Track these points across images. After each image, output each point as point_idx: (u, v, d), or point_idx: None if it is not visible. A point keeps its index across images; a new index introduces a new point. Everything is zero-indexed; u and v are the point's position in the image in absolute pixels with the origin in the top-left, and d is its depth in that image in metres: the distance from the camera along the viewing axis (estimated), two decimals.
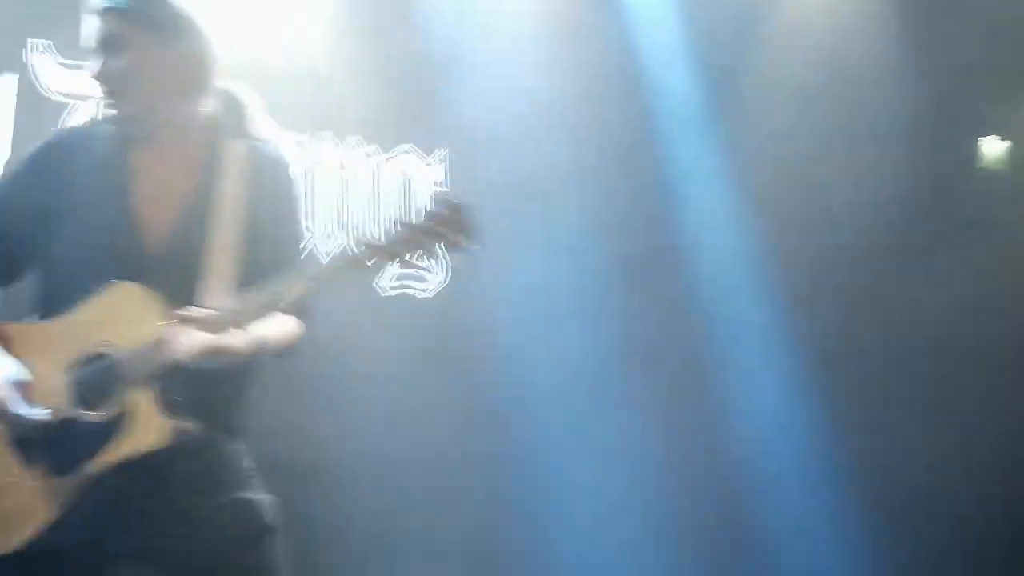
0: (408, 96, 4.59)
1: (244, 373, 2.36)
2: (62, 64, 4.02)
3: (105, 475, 2.22)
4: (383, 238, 2.14)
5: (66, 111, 4.02)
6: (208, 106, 2.40)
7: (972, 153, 5.53)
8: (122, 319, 2.25)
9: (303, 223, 2.77)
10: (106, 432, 2.21)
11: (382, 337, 4.38)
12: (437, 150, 4.72)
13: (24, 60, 4.00)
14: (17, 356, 2.31)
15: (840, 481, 4.78)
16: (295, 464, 3.95)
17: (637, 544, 4.51)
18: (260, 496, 2.38)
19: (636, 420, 4.59)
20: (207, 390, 2.25)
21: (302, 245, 2.63)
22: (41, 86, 4.02)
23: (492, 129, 4.60)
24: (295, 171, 2.51)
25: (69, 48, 4.01)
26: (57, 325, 2.32)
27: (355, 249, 2.16)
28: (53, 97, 4.03)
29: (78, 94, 4.01)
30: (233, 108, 2.45)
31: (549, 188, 4.65)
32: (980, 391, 5.05)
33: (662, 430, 4.62)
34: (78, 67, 3.98)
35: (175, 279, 2.26)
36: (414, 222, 2.13)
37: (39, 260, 2.38)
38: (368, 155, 4.57)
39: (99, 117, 2.54)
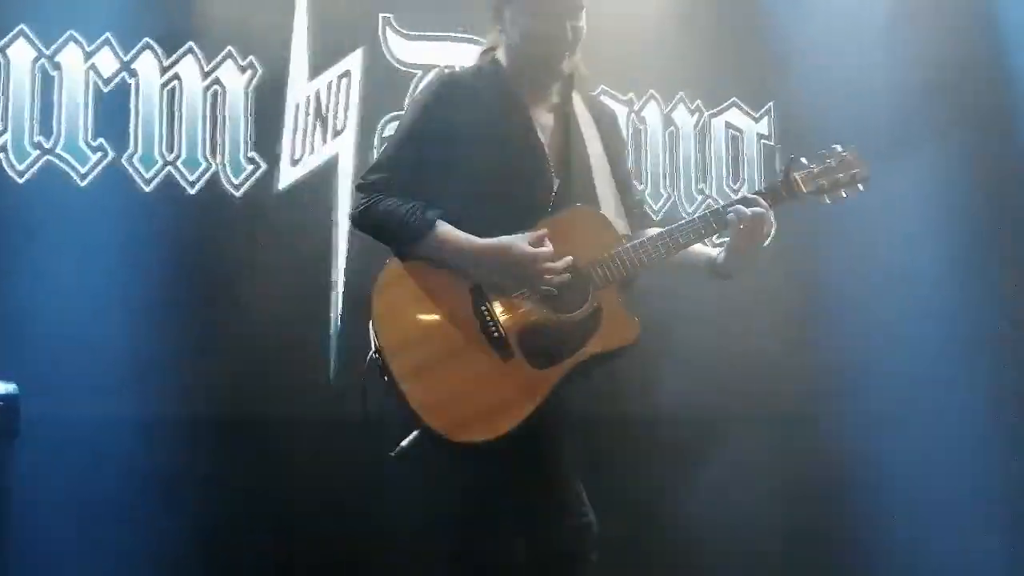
0: (735, 50, 4.58)
1: None
2: (406, 36, 4.28)
3: (583, 368, 2.68)
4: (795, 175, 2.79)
5: (414, 80, 4.25)
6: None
7: None
8: (585, 234, 2.71)
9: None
10: (581, 330, 2.67)
11: None
12: (764, 104, 4.68)
13: (374, 34, 4.25)
14: None
15: None
16: None
17: None
18: None
19: None
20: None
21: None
22: (392, 57, 4.27)
23: (822, 82, 4.51)
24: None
25: (410, 22, 4.26)
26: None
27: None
28: (401, 68, 4.27)
29: (422, 64, 4.26)
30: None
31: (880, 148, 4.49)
32: None
33: None
34: (421, 38, 4.26)
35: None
36: (823, 164, 2.80)
37: (449, 181, 2.76)
38: (693, 112, 4.59)
39: (474, 66, 2.93)
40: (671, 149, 4.56)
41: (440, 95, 2.81)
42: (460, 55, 4.10)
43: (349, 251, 4.05)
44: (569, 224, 2.71)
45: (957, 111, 4.60)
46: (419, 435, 2.60)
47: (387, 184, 2.76)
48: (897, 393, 4.36)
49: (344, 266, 4.05)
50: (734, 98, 4.67)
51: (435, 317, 2.67)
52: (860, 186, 2.84)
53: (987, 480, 4.38)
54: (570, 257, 2.67)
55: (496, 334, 2.64)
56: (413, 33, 4.28)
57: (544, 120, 2.83)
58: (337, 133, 4.14)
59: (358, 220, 2.83)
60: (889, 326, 4.42)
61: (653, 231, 2.79)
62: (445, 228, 2.68)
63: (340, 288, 4.04)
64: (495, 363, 2.63)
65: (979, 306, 4.52)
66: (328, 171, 4.13)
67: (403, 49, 4.27)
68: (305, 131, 4.12)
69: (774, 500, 4.28)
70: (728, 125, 4.65)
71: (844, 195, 2.83)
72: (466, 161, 2.72)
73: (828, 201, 2.83)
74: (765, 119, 4.69)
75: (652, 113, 4.55)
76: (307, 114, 4.12)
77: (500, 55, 2.87)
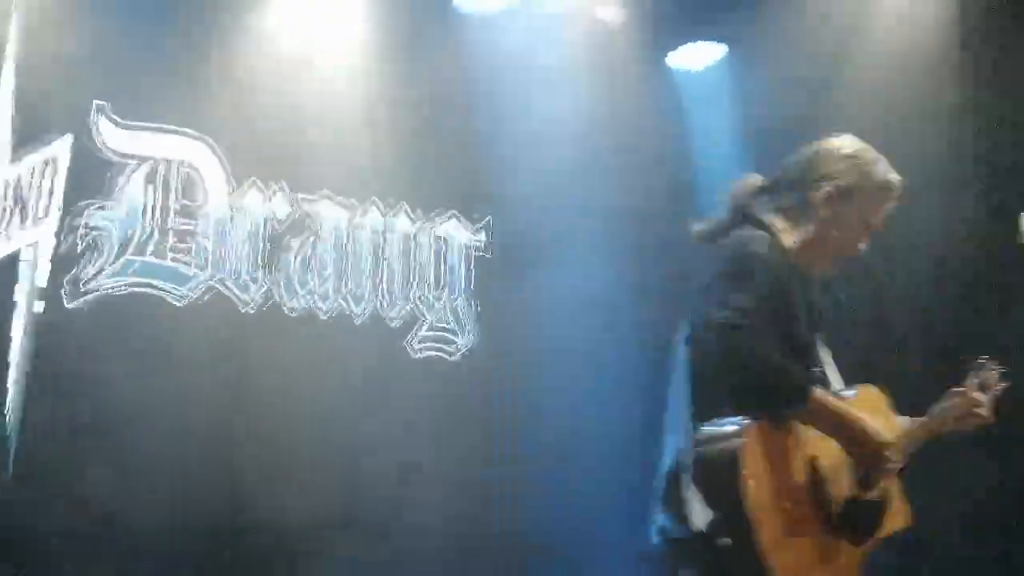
0: (454, 165, 4.69)
1: None
2: (119, 125, 4.14)
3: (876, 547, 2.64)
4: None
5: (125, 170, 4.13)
6: None
7: None
8: (876, 413, 2.66)
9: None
10: (872, 512, 2.62)
11: (411, 397, 4.46)
12: (482, 217, 4.80)
13: (83, 121, 4.11)
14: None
15: None
16: (326, 520, 4.02)
17: None
18: None
19: None
20: None
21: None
22: (103, 145, 4.14)
23: (532, 196, 4.67)
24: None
25: (125, 110, 4.15)
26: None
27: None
28: (114, 158, 4.14)
29: (135, 154, 4.13)
30: None
31: (585, 248, 4.68)
32: None
33: None
34: (136, 128, 4.14)
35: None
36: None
37: None
38: (413, 221, 4.65)
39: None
40: (386, 255, 4.59)
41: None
42: (172, 147, 4.08)
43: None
44: (864, 401, 2.68)
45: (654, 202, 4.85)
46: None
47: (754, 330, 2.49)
48: None
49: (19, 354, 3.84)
50: (454, 211, 4.75)
51: (791, 483, 2.51)
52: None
53: None
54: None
55: (836, 511, 2.55)
56: (125, 122, 4.14)
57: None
58: (36, 220, 3.94)
59: (723, 358, 2.48)
60: None
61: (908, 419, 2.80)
62: (819, 392, 2.53)
63: (12, 373, 3.83)
64: (825, 537, 2.55)
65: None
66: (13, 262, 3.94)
67: (115, 138, 4.13)
68: (1, 217, 3.89)
69: None
70: (446, 236, 4.73)
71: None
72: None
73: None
74: (482, 232, 4.79)
75: (373, 219, 4.56)
76: (4, 199, 3.90)
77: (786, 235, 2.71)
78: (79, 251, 3.99)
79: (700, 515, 2.44)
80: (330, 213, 4.45)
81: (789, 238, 2.70)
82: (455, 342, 4.70)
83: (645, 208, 4.84)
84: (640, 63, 4.98)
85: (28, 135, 3.99)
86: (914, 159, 4.76)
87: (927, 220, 4.61)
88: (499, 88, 4.71)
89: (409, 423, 4.40)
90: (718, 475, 2.44)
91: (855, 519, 2.57)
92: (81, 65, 4.01)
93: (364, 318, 4.51)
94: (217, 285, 4.22)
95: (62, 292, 3.93)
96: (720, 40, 5.08)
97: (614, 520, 4.10)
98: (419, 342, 4.62)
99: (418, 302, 4.64)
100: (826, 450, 2.53)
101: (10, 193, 3.93)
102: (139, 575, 3.83)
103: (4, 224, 3.91)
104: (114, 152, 4.13)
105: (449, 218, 4.75)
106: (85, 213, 4.04)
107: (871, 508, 2.61)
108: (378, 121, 4.50)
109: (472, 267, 4.76)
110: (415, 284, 4.65)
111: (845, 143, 2.71)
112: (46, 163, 3.98)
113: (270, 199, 4.32)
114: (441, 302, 4.69)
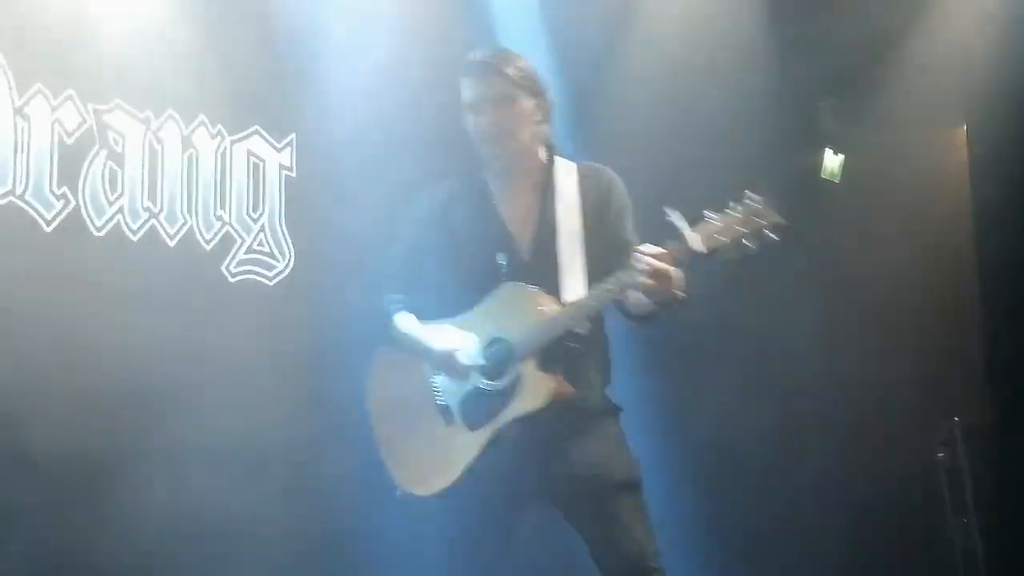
0: (259, 79, 4.48)
1: (598, 346, 3.25)
2: None
3: (507, 429, 3.07)
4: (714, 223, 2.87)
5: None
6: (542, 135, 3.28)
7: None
8: (512, 309, 3.10)
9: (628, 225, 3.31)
10: (506, 396, 3.07)
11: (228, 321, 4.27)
12: (287, 135, 4.60)
13: None
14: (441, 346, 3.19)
15: None
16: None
17: None
18: (632, 455, 3.21)
19: None
20: (575, 360, 3.10)
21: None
22: None
23: (342, 117, 4.52)
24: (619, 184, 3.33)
25: None
26: (465, 320, 3.19)
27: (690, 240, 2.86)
28: None
29: None
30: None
31: (392, 179, 4.55)
32: None
33: None
34: None
35: (542, 278, 3.13)
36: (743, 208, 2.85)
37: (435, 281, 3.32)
38: (215, 136, 4.41)
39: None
40: (189, 173, 4.33)
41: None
42: None
43: None
44: (500, 300, 3.13)
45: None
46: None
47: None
48: None
49: None
50: (256, 127, 4.53)
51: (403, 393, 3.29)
52: (772, 235, 2.84)
53: None
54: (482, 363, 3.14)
55: (441, 402, 3.19)
56: None
57: (516, 200, 3.26)
58: None
59: None
60: None
61: (574, 298, 3.09)
62: (398, 325, 3.33)
63: None
64: (443, 428, 3.18)
65: None
66: None
67: None
68: None
69: None
70: (250, 153, 4.50)
71: (750, 245, 2.85)
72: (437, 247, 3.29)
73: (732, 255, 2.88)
74: (288, 150, 4.60)
75: (171, 134, 4.30)
76: None
77: None
78: None
79: None
80: (127, 125, 4.15)
81: None
82: (274, 266, 4.52)
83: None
84: None
85: None
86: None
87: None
88: None
89: (228, 349, 4.22)
90: None
91: (467, 408, 3.16)
92: None
93: (177, 239, 4.26)
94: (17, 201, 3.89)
95: None
96: None
97: None
98: (236, 265, 4.41)
99: (234, 224, 4.42)
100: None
101: None
102: None
103: None
104: None
105: (251, 134, 4.52)
106: None
107: (478, 398, 3.14)
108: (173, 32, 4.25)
109: (283, 188, 4.56)
110: (231, 204, 4.43)
111: None
112: None
113: (57, 108, 3.98)
114: (259, 224, 4.48)
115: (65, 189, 3.98)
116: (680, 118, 5.26)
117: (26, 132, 3.90)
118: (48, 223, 3.94)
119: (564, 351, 3.07)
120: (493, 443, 3.07)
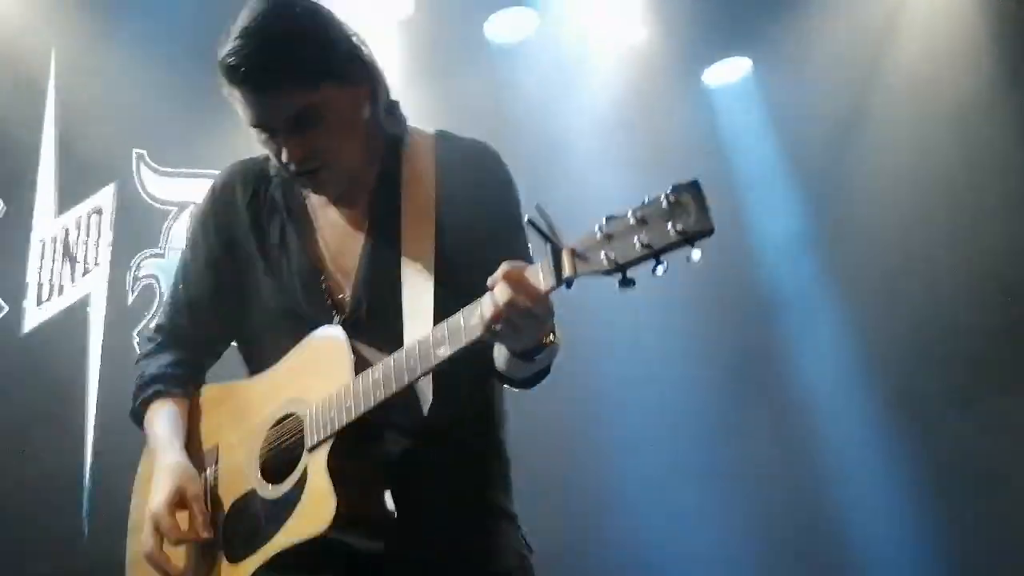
0: None
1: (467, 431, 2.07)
2: (159, 172, 4.15)
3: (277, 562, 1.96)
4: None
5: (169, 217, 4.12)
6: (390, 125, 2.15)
7: None
8: (316, 373, 2.00)
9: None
10: (280, 510, 1.96)
11: None
12: None
13: (127, 169, 4.08)
14: (219, 422, 2.16)
15: None
16: None
17: None
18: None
19: None
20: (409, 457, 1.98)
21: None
22: (145, 192, 4.13)
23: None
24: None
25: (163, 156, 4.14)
26: (259, 382, 2.14)
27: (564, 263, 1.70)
28: (156, 205, 4.13)
29: (177, 200, 4.15)
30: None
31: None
32: None
33: None
34: (175, 175, 4.15)
35: (370, 327, 2.04)
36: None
37: (240, 323, 2.22)
38: None
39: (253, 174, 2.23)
40: None
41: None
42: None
43: (100, 401, 3.78)
44: (303, 360, 2.06)
45: None
46: None
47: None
48: None
49: (95, 416, 3.77)
50: None
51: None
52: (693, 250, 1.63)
53: None
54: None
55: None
56: (166, 169, 4.15)
57: (342, 224, 2.16)
58: (87, 271, 3.95)
59: None
60: None
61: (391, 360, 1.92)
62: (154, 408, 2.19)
63: (90, 442, 3.74)
64: (202, 552, 2.07)
65: None
66: (78, 311, 3.88)
67: (156, 185, 4.15)
68: (52, 270, 3.90)
69: None
70: None
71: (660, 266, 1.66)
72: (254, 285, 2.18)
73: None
74: None
75: None
76: (55, 251, 3.92)
77: None
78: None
79: None
80: None
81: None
82: None
83: None
84: (671, 82, 4.96)
85: (72, 187, 3.98)
86: (954, 155, 4.85)
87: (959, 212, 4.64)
88: (530, 118, 4.66)
89: None
90: None
91: (234, 526, 2.05)
92: (119, 113, 4.00)
93: None
94: None
95: (135, 343, 3.73)
96: (750, 54, 5.06)
97: None
98: None
99: None
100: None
101: (59, 247, 3.96)
102: None
103: (56, 277, 3.90)
104: (155, 199, 4.12)
105: None
106: (140, 263, 3.99)
107: (248, 510, 2.03)
108: None
109: None
110: None
111: None
112: (91, 213, 4.01)
113: None
114: None
115: None
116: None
117: None
118: None
119: (374, 440, 1.98)
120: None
